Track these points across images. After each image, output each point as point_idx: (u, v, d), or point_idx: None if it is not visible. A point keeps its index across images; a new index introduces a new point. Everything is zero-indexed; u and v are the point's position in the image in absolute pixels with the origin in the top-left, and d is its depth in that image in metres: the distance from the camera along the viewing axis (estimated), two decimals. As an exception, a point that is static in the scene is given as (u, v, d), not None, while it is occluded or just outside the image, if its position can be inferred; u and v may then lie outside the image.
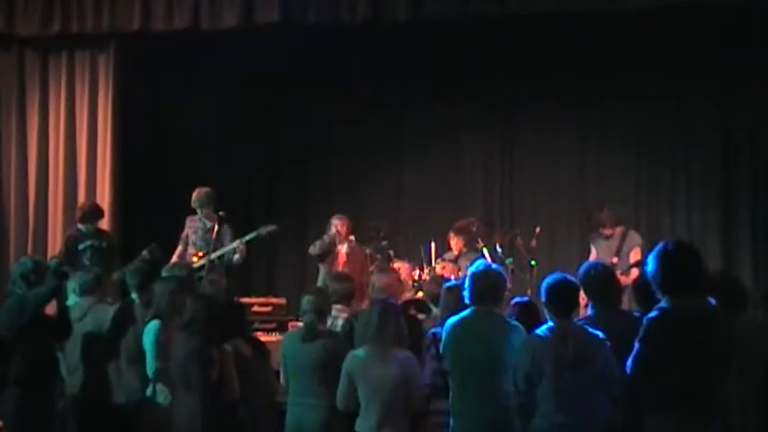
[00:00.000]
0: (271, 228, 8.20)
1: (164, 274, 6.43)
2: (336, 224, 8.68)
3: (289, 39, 9.12)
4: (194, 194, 8.24)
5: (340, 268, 8.36)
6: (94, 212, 8.30)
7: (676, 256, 4.32)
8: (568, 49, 9.54)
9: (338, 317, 5.91)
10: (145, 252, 7.55)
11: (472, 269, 5.17)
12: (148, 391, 5.67)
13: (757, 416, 4.75)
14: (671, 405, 4.21)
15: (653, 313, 4.30)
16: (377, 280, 6.37)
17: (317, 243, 8.68)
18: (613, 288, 5.12)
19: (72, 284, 6.29)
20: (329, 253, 8.63)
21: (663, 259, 4.33)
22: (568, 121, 9.97)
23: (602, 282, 5.08)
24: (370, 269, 8.18)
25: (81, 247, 8.09)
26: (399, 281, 7.63)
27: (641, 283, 5.06)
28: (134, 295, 6.15)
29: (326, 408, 5.24)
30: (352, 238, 8.67)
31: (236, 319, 5.72)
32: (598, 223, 8.25)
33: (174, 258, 8.12)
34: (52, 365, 5.92)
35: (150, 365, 5.65)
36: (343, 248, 8.61)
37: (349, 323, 5.78)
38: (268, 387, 5.79)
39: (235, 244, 8.02)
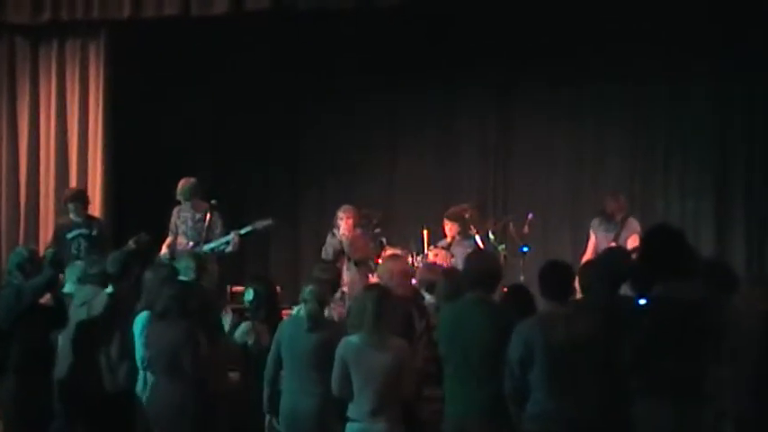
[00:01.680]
0: (267, 222, 8.14)
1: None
2: (342, 217, 8.61)
3: (279, 27, 9.04)
4: (179, 185, 8.15)
5: None
6: (77, 195, 8.25)
7: (658, 239, 4.34)
8: (563, 35, 9.45)
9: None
10: (131, 242, 7.45)
11: (467, 256, 5.15)
12: (139, 385, 5.69)
13: (750, 401, 4.73)
14: (662, 392, 4.18)
15: (644, 300, 4.29)
16: (345, 276, 6.30)
17: (329, 249, 8.47)
18: (612, 272, 5.09)
19: (74, 271, 6.34)
20: (342, 254, 8.55)
21: (645, 244, 4.39)
22: (563, 108, 9.91)
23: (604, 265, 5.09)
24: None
25: (69, 236, 8.04)
26: (366, 275, 7.64)
27: (636, 269, 5.04)
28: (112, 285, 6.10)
29: (321, 395, 5.22)
30: (358, 231, 8.58)
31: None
32: (613, 209, 8.22)
33: (164, 248, 8.08)
34: (49, 354, 5.96)
35: (138, 355, 5.67)
36: None
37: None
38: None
39: (230, 236, 7.97)
